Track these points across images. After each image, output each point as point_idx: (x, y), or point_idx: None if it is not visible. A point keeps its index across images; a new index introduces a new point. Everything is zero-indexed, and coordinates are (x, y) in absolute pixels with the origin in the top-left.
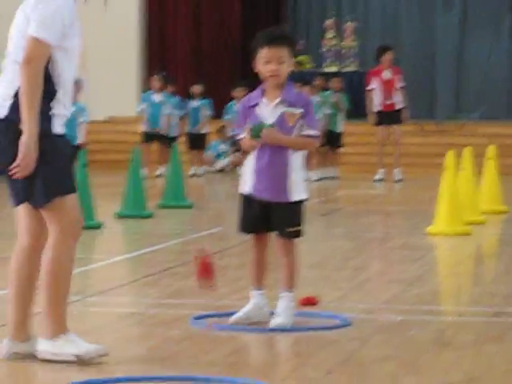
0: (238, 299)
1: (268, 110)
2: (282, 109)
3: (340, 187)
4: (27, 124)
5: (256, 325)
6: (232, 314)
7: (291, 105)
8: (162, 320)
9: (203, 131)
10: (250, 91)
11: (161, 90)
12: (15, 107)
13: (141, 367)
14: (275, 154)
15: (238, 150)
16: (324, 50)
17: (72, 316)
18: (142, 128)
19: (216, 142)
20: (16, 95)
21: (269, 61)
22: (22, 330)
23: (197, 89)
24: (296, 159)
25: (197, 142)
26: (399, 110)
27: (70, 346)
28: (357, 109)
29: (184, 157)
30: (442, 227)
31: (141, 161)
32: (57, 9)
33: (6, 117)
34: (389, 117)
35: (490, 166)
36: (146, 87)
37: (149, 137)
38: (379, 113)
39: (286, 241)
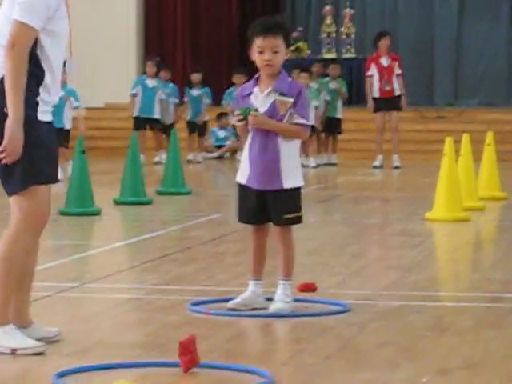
0: (236, 285)
1: (260, 98)
2: (273, 97)
3: (339, 174)
4: (12, 108)
5: (254, 310)
6: (230, 299)
7: (283, 93)
8: (160, 306)
9: (204, 119)
10: (250, 78)
11: (155, 75)
12: (1, 92)
13: (138, 353)
14: (265, 142)
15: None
16: (322, 36)
17: (70, 302)
18: (134, 113)
19: (215, 129)
20: (2, 80)
21: (263, 50)
22: (22, 316)
23: (196, 77)
24: (287, 146)
25: (197, 129)
26: (398, 97)
27: (8, 339)
28: (355, 95)
29: (182, 144)
30: (440, 213)
31: (139, 147)
32: None
33: None
34: (387, 103)
35: (489, 153)
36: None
37: (141, 123)
38: (377, 99)
39: (283, 228)
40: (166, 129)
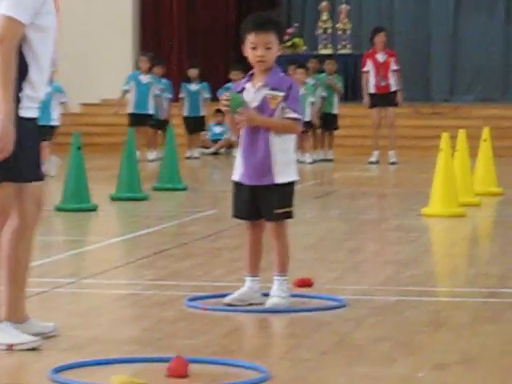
0: (233, 281)
1: (251, 93)
2: (264, 92)
3: (335, 169)
4: (2, 104)
5: (250, 305)
6: (227, 295)
7: (274, 88)
8: (156, 301)
9: (202, 114)
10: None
11: (149, 70)
12: None
13: (135, 348)
14: (256, 137)
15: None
16: (318, 32)
17: (67, 297)
18: (129, 110)
19: (211, 124)
20: None
21: (256, 46)
22: (18, 312)
23: (193, 72)
24: (279, 141)
25: (195, 125)
26: (394, 93)
27: (3, 335)
28: (351, 91)
29: (179, 140)
30: (436, 209)
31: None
32: None
33: None
34: (383, 99)
35: (485, 148)
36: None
37: (136, 119)
38: (373, 95)
39: (276, 224)
40: (159, 124)
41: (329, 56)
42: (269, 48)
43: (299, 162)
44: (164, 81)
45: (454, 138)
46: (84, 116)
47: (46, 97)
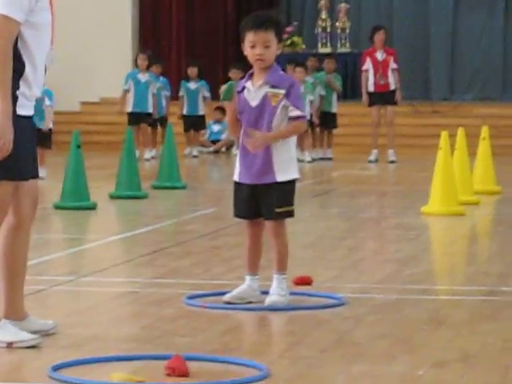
0: (232, 279)
1: (252, 91)
2: (264, 90)
3: (334, 168)
4: (0, 102)
5: (250, 304)
6: (226, 293)
7: (274, 86)
8: (155, 299)
9: (201, 113)
10: (246, 74)
11: (147, 69)
12: None
13: (134, 346)
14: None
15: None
16: (318, 31)
17: (66, 295)
18: (128, 109)
19: (210, 123)
20: None
21: (254, 45)
22: (18, 310)
23: (192, 71)
24: (283, 140)
25: (194, 124)
26: (393, 91)
27: (3, 333)
28: (350, 90)
29: (178, 138)
30: (436, 207)
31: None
32: None
33: None
34: (382, 97)
35: (484, 147)
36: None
37: (135, 118)
38: (372, 93)
39: (276, 223)
40: (158, 122)
41: (328, 55)
42: (268, 46)
43: (298, 160)
44: (162, 79)
45: (453, 136)
46: (83, 114)
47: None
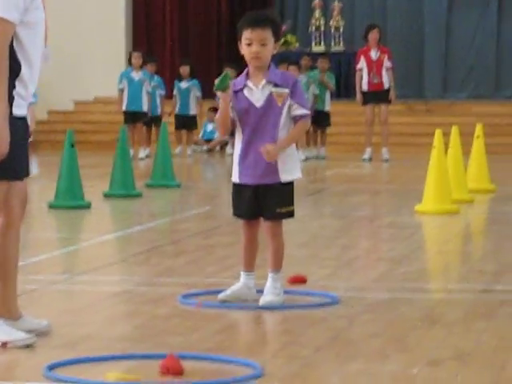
0: (226, 277)
1: (256, 92)
2: (268, 90)
3: (328, 167)
4: None
5: (245, 302)
6: (220, 291)
7: (277, 85)
8: (150, 298)
9: (193, 112)
10: (239, 73)
11: (141, 67)
12: None
13: (128, 345)
14: (262, 137)
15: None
16: (311, 29)
17: (60, 295)
18: (123, 107)
19: (206, 122)
20: None
21: (251, 42)
22: (12, 309)
23: (184, 70)
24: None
25: (186, 123)
26: (387, 90)
27: None
28: (344, 88)
29: (172, 137)
30: (430, 206)
31: (128, 140)
32: None
33: None
34: (376, 96)
35: (478, 145)
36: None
37: (130, 117)
38: (366, 92)
39: (275, 223)
40: (153, 121)
41: (321, 53)
42: (264, 44)
43: None
44: (156, 77)
45: (447, 135)
46: (77, 113)
47: None
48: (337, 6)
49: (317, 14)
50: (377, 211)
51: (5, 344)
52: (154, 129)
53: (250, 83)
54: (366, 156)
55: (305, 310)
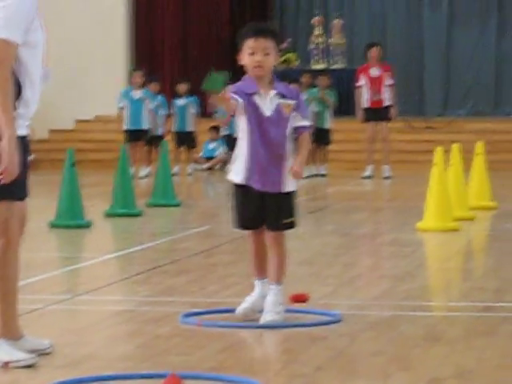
0: (227, 296)
1: (266, 101)
2: (276, 100)
3: (329, 184)
4: (5, 127)
5: (247, 321)
6: (222, 311)
7: (284, 96)
8: (151, 317)
9: (190, 129)
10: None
11: (141, 86)
12: None
13: (129, 365)
14: (270, 146)
15: (231, 149)
16: (312, 47)
17: (62, 314)
18: (124, 126)
19: (206, 141)
20: None
21: (254, 52)
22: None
23: (182, 87)
24: (289, 149)
25: (184, 140)
26: (387, 107)
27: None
28: (345, 106)
29: (173, 156)
30: (431, 223)
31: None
32: (19, 5)
33: None
34: (376, 113)
35: (479, 162)
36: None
37: (131, 136)
38: (367, 109)
39: (278, 233)
40: (154, 140)
41: (322, 71)
42: (267, 54)
43: None
44: (160, 97)
45: (447, 152)
46: (77, 132)
47: None
48: (337, 23)
49: (317, 31)
50: (378, 229)
51: (6, 364)
52: (154, 148)
53: (262, 91)
54: (367, 173)
55: (306, 329)
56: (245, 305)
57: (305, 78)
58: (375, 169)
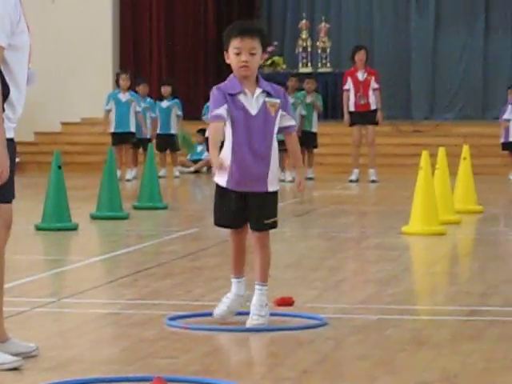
0: (213, 299)
1: (250, 99)
2: (262, 99)
3: (315, 188)
4: None
5: (232, 324)
6: (208, 314)
7: (270, 95)
8: (137, 321)
9: (173, 132)
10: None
11: (128, 89)
12: None
13: (115, 368)
14: (257, 145)
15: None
16: (298, 50)
17: (47, 317)
18: (111, 129)
19: (194, 144)
20: None
21: (240, 52)
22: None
23: (166, 90)
24: (274, 150)
25: (167, 143)
26: (373, 111)
27: None
28: (331, 109)
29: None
30: (417, 227)
31: (115, 162)
32: (3, 7)
33: None
34: (362, 117)
35: (465, 166)
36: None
37: (118, 138)
38: (353, 113)
39: (262, 233)
40: (141, 143)
41: (308, 74)
42: (253, 54)
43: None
44: (148, 100)
45: (433, 155)
46: (64, 135)
47: None
48: (323, 27)
49: (303, 35)
50: (364, 232)
51: None
52: (141, 151)
53: (246, 90)
54: (353, 177)
55: (292, 332)
56: (222, 307)
57: (291, 82)
58: (361, 172)
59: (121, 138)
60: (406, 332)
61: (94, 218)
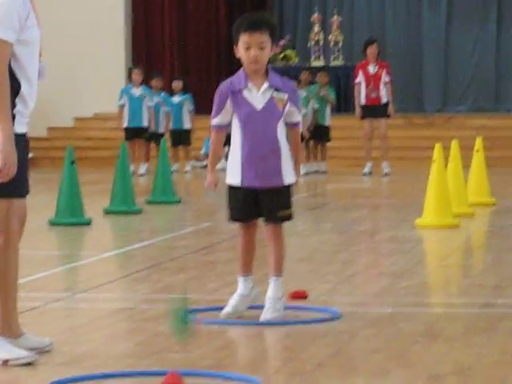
0: (227, 293)
1: (257, 95)
2: (269, 93)
3: (328, 181)
4: (2, 126)
5: (246, 318)
6: (222, 308)
7: (278, 89)
8: (151, 315)
9: (186, 127)
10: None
11: (141, 83)
12: None
13: (129, 362)
14: (264, 140)
15: (225, 144)
16: (311, 44)
17: (61, 312)
18: (124, 124)
19: (208, 138)
20: None
21: (249, 46)
22: (13, 327)
23: (176, 84)
24: (283, 141)
25: (180, 138)
26: (385, 104)
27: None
28: (344, 103)
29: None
30: (430, 220)
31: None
32: (11, 4)
33: None
34: (374, 110)
35: (478, 159)
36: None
37: (131, 133)
38: (364, 106)
39: (276, 226)
40: (154, 138)
41: (321, 68)
42: (263, 48)
43: None
44: (162, 94)
45: (446, 148)
46: (77, 130)
47: None
48: (336, 20)
49: (316, 28)
50: (377, 226)
51: (6, 362)
52: (154, 145)
53: (250, 85)
54: (366, 170)
55: (306, 326)
56: (227, 308)
57: (304, 76)
58: (374, 165)
59: (134, 133)
60: (420, 325)
61: (107, 212)
